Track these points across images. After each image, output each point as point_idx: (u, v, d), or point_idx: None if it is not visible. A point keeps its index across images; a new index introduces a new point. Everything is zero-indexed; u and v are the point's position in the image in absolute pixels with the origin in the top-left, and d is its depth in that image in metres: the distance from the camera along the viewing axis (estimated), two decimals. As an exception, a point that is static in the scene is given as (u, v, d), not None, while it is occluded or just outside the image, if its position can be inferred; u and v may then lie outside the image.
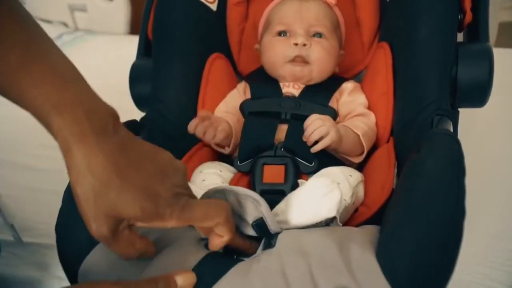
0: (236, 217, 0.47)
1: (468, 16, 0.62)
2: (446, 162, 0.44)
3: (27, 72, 0.39)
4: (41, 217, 0.77)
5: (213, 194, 0.47)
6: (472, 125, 0.90)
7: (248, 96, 0.73)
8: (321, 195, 0.47)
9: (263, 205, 0.46)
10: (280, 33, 0.71)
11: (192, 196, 0.44)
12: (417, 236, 0.40)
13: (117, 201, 0.38)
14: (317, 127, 0.59)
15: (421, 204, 0.41)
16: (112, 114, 0.42)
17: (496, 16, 1.43)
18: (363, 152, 0.65)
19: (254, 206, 0.46)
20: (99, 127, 0.39)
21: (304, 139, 0.60)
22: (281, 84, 0.71)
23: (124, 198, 0.38)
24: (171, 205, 0.40)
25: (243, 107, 0.70)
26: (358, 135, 0.63)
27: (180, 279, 0.40)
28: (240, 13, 0.83)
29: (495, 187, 0.80)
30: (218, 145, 0.68)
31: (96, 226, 0.38)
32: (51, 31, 1.56)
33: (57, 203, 0.50)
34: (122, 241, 0.40)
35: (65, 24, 1.66)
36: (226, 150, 0.68)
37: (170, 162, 0.43)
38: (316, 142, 0.60)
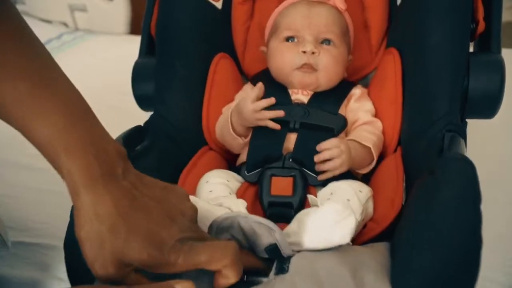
0: (248, 240, 0.47)
1: (481, 26, 0.61)
2: (462, 191, 0.43)
3: (36, 105, 0.39)
4: (41, 217, 0.76)
5: (222, 222, 0.46)
6: (473, 126, 0.89)
7: None
8: (336, 221, 0.47)
9: (278, 231, 0.45)
10: (288, 39, 0.69)
11: (200, 237, 0.43)
12: (434, 267, 0.39)
13: (124, 247, 0.38)
14: (334, 156, 0.58)
15: (437, 234, 0.41)
16: (121, 154, 0.42)
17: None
18: (371, 163, 0.64)
19: (268, 233, 0.45)
20: (108, 171, 0.39)
21: (316, 160, 0.59)
22: (289, 91, 0.69)
23: (130, 245, 0.38)
24: (176, 251, 0.40)
25: None
26: (369, 148, 0.62)
27: (178, 287, 0.40)
28: (246, 11, 0.81)
29: (494, 187, 0.80)
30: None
31: (102, 270, 0.38)
32: (51, 31, 1.57)
33: (57, 203, 0.49)
34: (129, 283, 0.40)
35: (65, 24, 1.65)
36: (242, 140, 0.67)
37: (178, 207, 0.43)
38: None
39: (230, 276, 0.42)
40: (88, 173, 0.38)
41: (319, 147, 0.59)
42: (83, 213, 0.38)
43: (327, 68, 0.68)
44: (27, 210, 0.79)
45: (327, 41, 0.69)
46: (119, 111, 0.76)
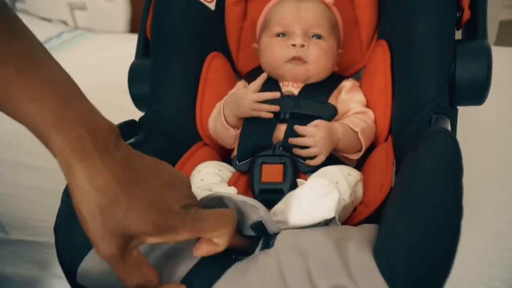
0: None
1: (466, 14, 0.62)
2: (442, 161, 0.44)
3: (25, 85, 0.38)
4: (40, 216, 0.77)
5: (208, 202, 0.47)
6: (472, 124, 0.90)
7: None
8: (320, 195, 0.47)
9: (262, 209, 0.46)
10: (279, 34, 0.71)
11: (200, 206, 0.43)
12: (414, 234, 0.40)
13: (127, 218, 0.37)
14: (308, 144, 0.60)
15: (417, 203, 0.41)
16: (113, 130, 0.41)
17: (496, 15, 1.43)
18: (361, 149, 0.65)
19: (253, 211, 0.46)
20: (102, 144, 0.38)
21: (290, 142, 0.61)
22: (280, 84, 0.71)
23: (133, 215, 0.37)
24: (182, 216, 0.40)
25: None
26: (356, 133, 0.63)
27: None
28: (239, 11, 0.82)
29: (495, 185, 0.80)
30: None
31: (104, 245, 0.37)
32: (50, 29, 1.57)
33: (56, 201, 0.49)
34: (131, 262, 0.39)
35: (65, 23, 1.66)
36: (234, 131, 0.68)
37: (174, 174, 0.43)
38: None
39: (221, 244, 0.42)
40: (81, 147, 0.37)
41: (296, 128, 0.61)
42: (80, 188, 0.37)
43: (317, 61, 0.69)
44: (27, 208, 0.79)
45: (316, 36, 0.70)
46: (119, 110, 0.77)
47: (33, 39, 0.41)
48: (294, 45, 0.68)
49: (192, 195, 0.43)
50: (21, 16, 0.42)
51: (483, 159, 0.85)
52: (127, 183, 0.38)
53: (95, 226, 0.37)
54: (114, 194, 0.37)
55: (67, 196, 0.49)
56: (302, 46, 0.68)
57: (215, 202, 0.47)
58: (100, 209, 0.37)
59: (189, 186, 0.44)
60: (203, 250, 0.42)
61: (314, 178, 0.55)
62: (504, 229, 0.72)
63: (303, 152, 0.61)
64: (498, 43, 1.40)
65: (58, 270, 0.68)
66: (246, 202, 0.45)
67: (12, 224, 0.74)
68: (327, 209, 0.47)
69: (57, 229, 0.48)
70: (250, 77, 0.74)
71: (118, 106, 0.96)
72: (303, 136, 0.61)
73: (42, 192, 0.82)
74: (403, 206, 0.43)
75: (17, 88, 0.38)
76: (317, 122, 0.62)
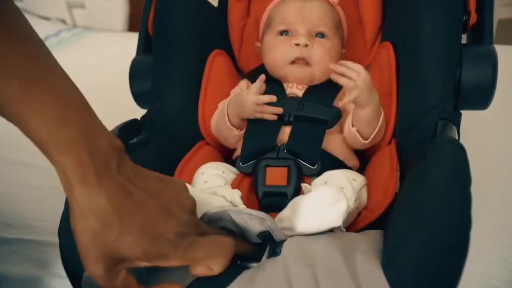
0: (240, 229, 0.47)
1: (473, 18, 0.62)
2: (451, 172, 0.44)
3: (29, 102, 0.38)
4: (40, 215, 0.76)
5: (212, 215, 0.47)
6: (472, 122, 0.90)
7: None
8: (328, 204, 0.47)
9: (269, 220, 0.46)
10: (282, 33, 0.70)
11: (200, 231, 0.43)
12: (423, 248, 0.40)
13: (117, 242, 0.38)
14: (350, 76, 0.59)
15: (426, 215, 0.41)
16: (117, 148, 0.41)
17: (495, 13, 1.43)
18: (367, 139, 0.64)
19: (260, 222, 0.46)
20: (102, 166, 0.39)
21: (331, 67, 0.61)
22: (284, 85, 0.70)
23: (124, 240, 0.38)
24: (175, 245, 0.40)
25: None
26: (380, 113, 0.63)
27: None
28: (242, 9, 0.82)
29: (494, 183, 0.80)
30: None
31: (92, 264, 0.38)
32: (49, 28, 1.56)
33: (56, 200, 0.49)
34: (119, 283, 0.40)
35: (63, 21, 1.65)
36: (237, 132, 0.68)
37: (176, 200, 0.43)
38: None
39: (215, 270, 0.42)
40: (80, 168, 0.38)
41: (344, 63, 0.61)
42: (77, 207, 0.38)
43: (321, 61, 0.68)
44: (27, 207, 0.79)
45: (320, 34, 0.69)
46: (118, 108, 0.77)
47: (37, 44, 0.41)
48: (297, 45, 0.67)
49: (192, 222, 0.43)
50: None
51: (483, 157, 0.85)
52: (122, 208, 0.39)
53: (85, 246, 0.38)
54: (108, 219, 0.38)
55: None
56: (306, 45, 0.67)
57: (219, 215, 0.47)
58: (92, 231, 0.38)
59: (190, 212, 0.44)
60: (197, 271, 0.42)
61: (321, 186, 0.54)
62: (503, 228, 0.72)
63: (341, 80, 0.60)
64: (497, 41, 1.40)
65: (58, 269, 0.68)
66: (253, 215, 0.45)
67: (12, 223, 0.73)
68: (334, 218, 0.47)
69: (60, 231, 0.48)
70: (252, 76, 0.74)
71: (117, 105, 0.96)
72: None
73: (42, 191, 0.81)
74: (411, 218, 0.43)
75: (20, 105, 0.38)
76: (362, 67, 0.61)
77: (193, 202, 0.45)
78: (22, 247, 0.71)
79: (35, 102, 0.38)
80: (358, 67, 0.60)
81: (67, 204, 0.49)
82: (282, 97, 0.68)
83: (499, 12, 1.49)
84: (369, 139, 0.64)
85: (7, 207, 0.73)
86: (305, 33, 0.68)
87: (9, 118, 0.39)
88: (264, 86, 0.65)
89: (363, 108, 0.62)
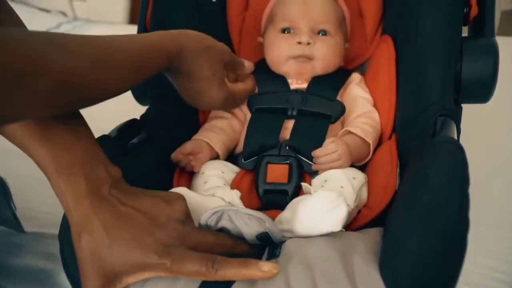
0: (238, 230, 0.47)
1: (474, 10, 0.61)
2: (449, 173, 0.43)
3: (34, 132, 0.43)
4: (44, 207, 0.77)
5: (211, 216, 0.47)
6: (474, 115, 0.89)
7: None
8: (328, 209, 0.47)
9: (268, 221, 0.46)
10: (284, 30, 0.69)
11: (193, 242, 0.44)
12: (420, 248, 0.40)
13: (108, 258, 0.41)
14: (333, 160, 0.58)
15: (424, 216, 0.41)
16: (112, 175, 0.45)
17: (498, 5, 1.42)
18: (367, 157, 0.64)
19: (259, 223, 0.46)
20: (96, 189, 0.43)
21: (314, 169, 0.60)
22: (289, 81, 0.69)
23: (114, 253, 0.41)
24: (161, 256, 0.41)
25: (250, 103, 0.68)
26: (368, 144, 0.62)
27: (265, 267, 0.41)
28: (241, 3, 0.81)
29: (495, 176, 0.80)
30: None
31: (89, 283, 0.42)
32: (49, 20, 1.56)
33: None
34: None
35: (64, 14, 1.65)
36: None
37: (166, 212, 0.45)
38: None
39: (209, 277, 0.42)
40: (77, 193, 0.42)
41: (315, 153, 0.59)
42: (75, 228, 0.43)
43: (323, 58, 0.68)
44: (31, 200, 0.79)
45: (323, 32, 0.69)
46: (124, 103, 0.77)
47: None
48: (300, 43, 0.67)
49: (182, 232, 0.44)
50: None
51: (484, 149, 0.85)
52: (110, 224, 0.42)
53: (83, 266, 0.42)
54: (100, 237, 0.42)
55: None
56: (308, 43, 0.67)
57: (218, 216, 0.47)
58: (88, 250, 0.42)
59: (180, 222, 0.45)
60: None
61: (321, 189, 0.54)
62: (503, 220, 0.72)
63: (325, 167, 0.58)
64: (500, 33, 1.39)
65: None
66: (252, 215, 0.46)
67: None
68: (334, 223, 0.47)
69: (61, 237, 0.48)
70: (256, 71, 0.73)
71: (119, 98, 0.95)
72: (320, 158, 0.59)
73: (46, 183, 0.81)
74: (408, 220, 0.42)
75: (29, 133, 0.43)
76: (331, 139, 0.60)
77: (183, 213, 0.46)
78: (28, 239, 0.72)
79: (41, 132, 0.43)
80: (330, 146, 0.59)
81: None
82: (286, 91, 0.68)
83: (502, 4, 1.48)
84: (366, 159, 0.64)
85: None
86: (308, 31, 0.67)
87: (10, 139, 0.44)
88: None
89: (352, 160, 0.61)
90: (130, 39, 0.46)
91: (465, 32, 0.64)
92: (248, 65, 0.65)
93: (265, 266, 0.40)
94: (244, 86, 0.65)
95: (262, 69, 0.69)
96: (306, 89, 0.68)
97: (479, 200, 0.72)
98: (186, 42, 0.53)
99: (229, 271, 0.41)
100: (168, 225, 0.44)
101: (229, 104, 0.62)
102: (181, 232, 0.44)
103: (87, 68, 0.39)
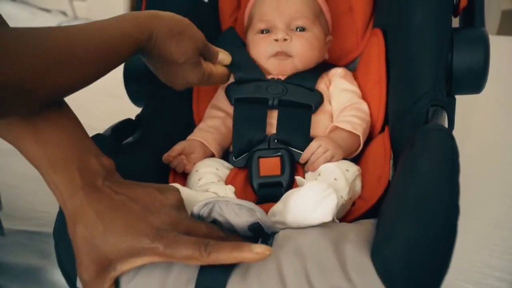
0: (230, 222, 0.47)
1: (463, 1, 0.61)
2: (438, 160, 0.43)
3: (30, 131, 0.43)
4: (41, 206, 0.77)
5: (203, 208, 0.47)
6: (473, 113, 0.89)
7: None
8: (318, 200, 0.47)
9: (258, 211, 0.46)
10: (262, 31, 0.70)
11: (186, 228, 0.44)
12: (410, 236, 0.40)
13: (103, 245, 0.42)
14: (320, 155, 0.59)
15: (414, 203, 0.41)
16: (105, 167, 0.46)
17: (498, 4, 1.42)
18: (357, 149, 0.64)
19: (250, 213, 0.46)
20: (90, 182, 0.44)
21: (309, 169, 0.60)
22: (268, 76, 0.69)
23: (108, 240, 0.42)
24: (154, 240, 0.42)
25: (228, 92, 0.68)
26: (357, 136, 0.62)
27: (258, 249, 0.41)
28: (232, 3, 0.82)
29: (495, 174, 0.80)
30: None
31: (83, 269, 0.43)
32: (50, 20, 1.56)
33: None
34: None
35: (64, 13, 1.65)
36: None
37: (160, 199, 0.45)
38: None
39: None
40: (71, 186, 0.43)
41: (303, 158, 0.60)
42: (70, 219, 0.44)
43: (302, 54, 0.68)
44: (28, 199, 0.79)
45: (300, 28, 0.69)
46: (124, 101, 0.77)
47: None
48: (276, 40, 0.68)
49: (175, 218, 0.44)
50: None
51: (484, 147, 0.85)
52: (103, 212, 0.43)
53: (79, 254, 0.43)
54: (94, 225, 0.42)
55: None
56: (285, 40, 0.68)
57: (209, 208, 0.47)
58: (83, 238, 0.43)
59: (174, 208, 0.45)
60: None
61: (312, 181, 0.54)
62: (504, 218, 0.72)
63: (319, 163, 0.59)
64: (500, 32, 1.39)
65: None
66: (242, 205, 0.46)
67: (12, 214, 0.74)
68: (324, 214, 0.47)
69: (55, 234, 0.49)
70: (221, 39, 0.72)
71: (118, 97, 0.95)
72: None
73: (42, 182, 0.81)
74: (399, 207, 0.43)
75: (22, 132, 0.43)
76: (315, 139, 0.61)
77: (177, 200, 0.46)
78: (24, 238, 0.72)
79: (36, 131, 0.43)
80: (313, 144, 0.60)
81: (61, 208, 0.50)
82: (264, 79, 0.68)
83: (502, 3, 1.47)
84: (357, 151, 0.64)
85: (8, 198, 0.73)
86: (284, 28, 0.68)
87: (5, 139, 0.44)
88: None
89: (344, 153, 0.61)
90: (95, 30, 0.45)
91: (456, 23, 0.64)
92: (225, 57, 0.64)
93: (258, 248, 0.40)
94: (223, 70, 0.64)
95: (227, 38, 0.69)
96: (286, 79, 0.68)
97: (478, 198, 0.72)
98: (157, 26, 0.52)
99: (222, 254, 0.41)
100: (161, 210, 0.44)
101: (205, 84, 0.62)
102: (174, 218, 0.44)
103: (42, 72, 0.39)
